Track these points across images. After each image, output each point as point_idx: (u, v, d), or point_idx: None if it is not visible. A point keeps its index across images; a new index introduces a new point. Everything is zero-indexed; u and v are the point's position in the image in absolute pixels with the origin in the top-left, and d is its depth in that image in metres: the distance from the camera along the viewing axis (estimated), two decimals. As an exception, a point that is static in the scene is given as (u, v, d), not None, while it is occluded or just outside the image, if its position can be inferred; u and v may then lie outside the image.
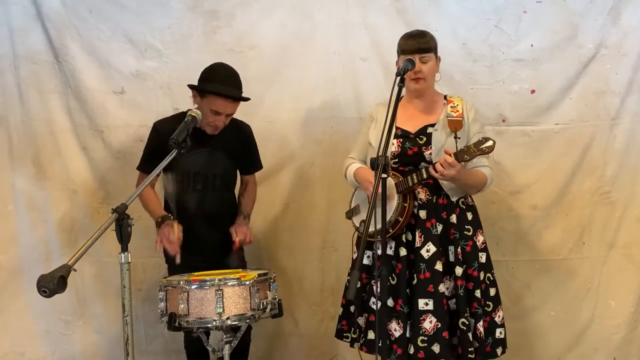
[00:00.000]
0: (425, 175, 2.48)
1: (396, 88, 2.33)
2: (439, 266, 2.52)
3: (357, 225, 2.75)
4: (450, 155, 2.38)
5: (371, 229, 2.08)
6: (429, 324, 2.49)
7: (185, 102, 3.02)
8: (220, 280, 2.38)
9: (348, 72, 3.37)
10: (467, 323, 2.50)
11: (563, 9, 3.21)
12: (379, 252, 2.39)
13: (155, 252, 3.11)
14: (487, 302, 2.62)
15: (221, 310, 2.35)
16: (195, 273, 2.63)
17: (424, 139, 2.61)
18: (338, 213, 3.16)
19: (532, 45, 3.25)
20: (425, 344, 2.48)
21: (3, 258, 3.42)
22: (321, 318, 3.49)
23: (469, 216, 2.65)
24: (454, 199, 2.61)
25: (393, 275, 2.59)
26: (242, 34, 3.40)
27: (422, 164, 2.59)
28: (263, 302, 2.43)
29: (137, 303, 3.26)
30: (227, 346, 2.46)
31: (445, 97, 2.72)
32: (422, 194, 2.59)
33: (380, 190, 2.12)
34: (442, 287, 2.52)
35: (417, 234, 2.56)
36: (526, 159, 3.29)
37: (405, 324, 2.54)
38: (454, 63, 3.20)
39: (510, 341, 2.69)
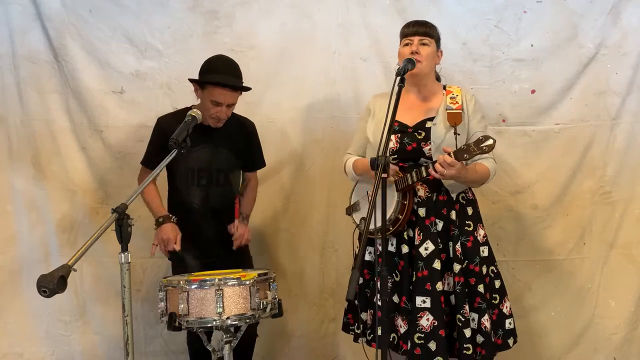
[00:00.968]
0: (424, 174, 2.47)
1: (396, 88, 2.33)
2: (437, 264, 2.52)
3: (357, 222, 2.75)
4: (449, 154, 2.37)
5: (372, 227, 2.08)
6: (426, 321, 2.49)
7: (185, 102, 3.02)
8: (220, 280, 2.37)
9: (348, 71, 3.37)
10: (463, 319, 2.50)
11: (563, 9, 3.21)
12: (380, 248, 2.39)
13: (158, 253, 3.12)
14: (494, 295, 2.62)
15: (221, 310, 2.34)
16: (195, 273, 2.63)
17: (423, 133, 2.59)
18: (338, 213, 3.16)
19: (532, 45, 3.24)
20: (422, 341, 2.48)
21: (2, 258, 3.42)
22: (321, 319, 3.48)
23: (469, 211, 2.64)
24: (453, 195, 2.61)
25: (396, 272, 2.59)
26: (242, 34, 3.40)
27: (422, 159, 2.58)
28: (263, 302, 2.42)
29: (136, 304, 3.25)
30: (227, 346, 2.45)
31: (444, 87, 2.70)
32: (422, 191, 2.59)
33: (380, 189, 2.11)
34: (440, 285, 2.52)
35: (416, 231, 2.57)
36: (526, 159, 3.29)
37: (409, 321, 2.56)
38: (454, 63, 3.20)
39: (511, 341, 2.70)
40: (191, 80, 2.85)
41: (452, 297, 2.56)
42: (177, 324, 2.36)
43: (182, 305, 2.35)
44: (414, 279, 2.55)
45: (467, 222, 2.61)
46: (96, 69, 3.39)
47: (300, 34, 3.38)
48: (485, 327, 2.53)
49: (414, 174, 2.50)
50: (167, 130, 2.81)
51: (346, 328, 2.84)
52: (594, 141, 3.24)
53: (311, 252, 3.46)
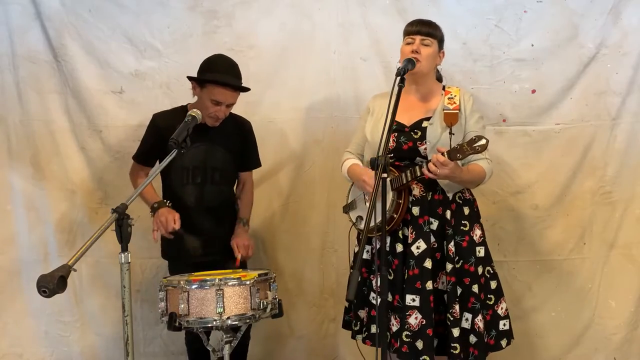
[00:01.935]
0: (418, 173, 2.47)
1: (396, 88, 2.32)
2: (428, 263, 2.52)
3: (354, 220, 2.76)
4: (442, 154, 2.38)
5: (369, 225, 2.08)
6: (414, 320, 2.50)
7: (185, 102, 3.02)
8: (220, 280, 2.38)
9: (348, 71, 3.37)
10: (452, 319, 2.51)
11: (563, 9, 3.21)
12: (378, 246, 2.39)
13: (153, 253, 3.12)
14: (489, 296, 2.62)
15: (221, 310, 2.34)
16: (195, 273, 2.62)
17: (419, 133, 2.59)
18: (338, 213, 3.15)
19: (532, 45, 3.24)
20: (410, 339, 2.49)
21: (1, 259, 3.41)
22: (321, 320, 3.48)
23: (466, 211, 2.63)
24: (449, 195, 2.61)
25: (390, 270, 2.59)
26: (241, 33, 3.39)
27: (418, 158, 2.59)
28: (263, 302, 2.42)
29: (136, 304, 3.25)
30: (227, 346, 2.45)
31: (443, 88, 2.70)
32: (417, 190, 2.59)
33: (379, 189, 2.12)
34: (430, 284, 2.52)
35: (409, 230, 2.57)
36: (527, 159, 3.29)
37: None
38: (454, 63, 3.19)
39: (511, 341, 2.69)
40: (190, 78, 2.84)
41: (445, 297, 2.57)
42: (177, 324, 2.36)
43: (182, 305, 2.35)
44: (405, 277, 2.56)
45: (463, 222, 2.61)
46: (96, 69, 3.39)
47: (300, 33, 3.38)
48: (479, 327, 2.53)
49: (408, 173, 2.50)
50: (161, 128, 2.81)
51: (348, 326, 2.84)
52: (595, 141, 3.24)
53: (311, 252, 3.45)
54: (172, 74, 3.40)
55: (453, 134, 2.51)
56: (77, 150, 3.42)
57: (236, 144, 3.00)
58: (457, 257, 2.56)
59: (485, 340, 2.57)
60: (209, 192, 2.94)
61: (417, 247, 2.54)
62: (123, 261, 2.03)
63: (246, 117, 3.10)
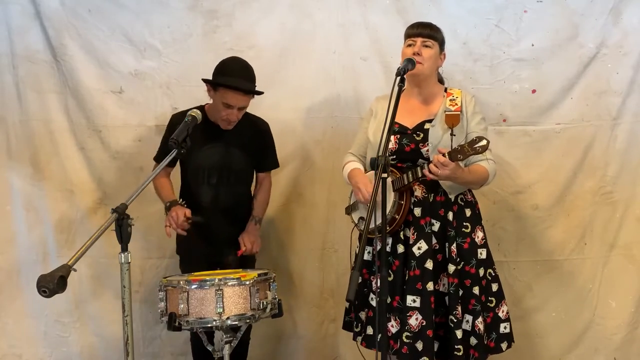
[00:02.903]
0: (420, 174, 2.48)
1: (396, 88, 2.32)
2: (429, 264, 2.52)
3: (356, 221, 2.76)
4: (443, 155, 2.38)
5: (370, 226, 2.09)
6: (415, 321, 2.50)
7: (185, 101, 3.02)
8: (220, 280, 2.37)
9: (348, 71, 3.36)
10: (455, 320, 2.51)
11: (564, 9, 3.21)
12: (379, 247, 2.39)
13: (153, 253, 3.12)
14: (490, 298, 2.62)
15: (221, 310, 2.34)
16: (196, 273, 2.63)
17: (421, 135, 2.60)
18: (338, 213, 3.15)
19: (532, 45, 3.24)
20: (410, 340, 2.49)
21: (0, 259, 3.41)
22: (321, 320, 3.47)
23: (468, 213, 2.63)
24: (451, 196, 2.61)
25: (390, 271, 2.59)
26: (241, 33, 3.39)
27: (420, 160, 2.59)
28: (263, 302, 2.42)
29: (135, 304, 3.22)
30: (227, 346, 2.45)
31: (445, 90, 2.70)
32: (419, 192, 2.59)
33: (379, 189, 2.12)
34: (431, 285, 2.52)
35: (410, 231, 2.57)
36: (527, 159, 3.29)
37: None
38: (454, 63, 3.18)
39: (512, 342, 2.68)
40: (204, 81, 2.85)
41: (447, 299, 2.56)
42: (177, 324, 2.36)
43: (182, 305, 2.35)
44: (407, 278, 2.55)
45: (464, 224, 2.61)
46: (95, 69, 3.38)
47: (300, 33, 3.37)
48: (479, 329, 2.53)
49: (410, 174, 2.51)
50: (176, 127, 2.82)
51: (348, 327, 2.84)
52: (595, 141, 3.24)
53: (311, 252, 3.45)
54: (171, 73, 3.39)
55: (454, 135, 2.51)
56: (76, 150, 3.42)
57: (252, 144, 3.00)
58: (458, 259, 2.56)
59: (486, 343, 2.57)
60: (224, 193, 2.95)
61: (419, 248, 2.54)
62: (123, 261, 2.03)
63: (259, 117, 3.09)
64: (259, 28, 3.39)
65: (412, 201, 2.58)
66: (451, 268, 2.54)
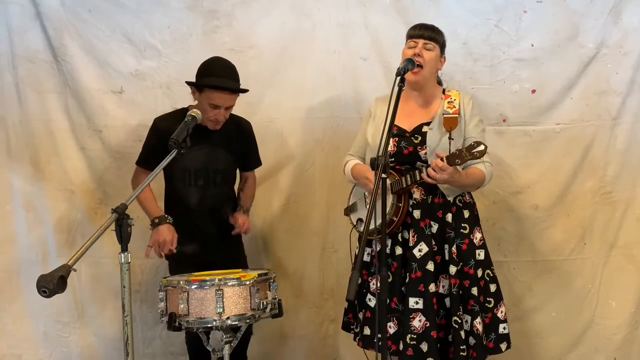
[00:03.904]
0: (418, 178, 2.48)
1: (396, 88, 2.32)
2: (430, 266, 2.53)
3: (355, 222, 2.76)
4: (441, 159, 2.39)
5: (370, 227, 2.08)
6: (418, 322, 2.51)
7: (185, 102, 3.02)
8: (220, 280, 2.38)
9: (348, 71, 3.36)
10: (459, 321, 2.51)
11: (564, 9, 3.21)
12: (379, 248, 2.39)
13: (153, 254, 3.10)
14: (488, 299, 2.63)
15: (221, 310, 2.35)
16: (195, 273, 2.62)
17: (419, 138, 2.61)
18: (338, 213, 3.14)
19: (532, 45, 3.24)
20: (414, 342, 2.50)
21: (0, 259, 3.40)
22: (321, 320, 3.47)
23: (466, 214, 2.64)
24: (450, 198, 2.61)
25: (389, 273, 2.59)
26: (241, 33, 3.39)
27: (418, 163, 2.59)
28: (263, 302, 2.42)
29: (135, 305, 3.23)
30: (227, 346, 2.45)
31: (443, 92, 2.70)
32: (417, 194, 2.60)
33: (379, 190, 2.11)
34: (432, 287, 2.53)
35: (410, 233, 2.58)
36: (527, 159, 3.28)
37: (399, 321, 2.57)
38: (454, 63, 3.18)
39: (511, 342, 2.68)
40: (189, 83, 2.85)
41: (447, 300, 2.57)
42: (177, 324, 2.37)
43: (182, 306, 2.35)
44: (406, 280, 2.56)
45: (463, 225, 2.62)
46: (95, 69, 3.38)
47: (300, 33, 3.37)
48: (477, 329, 2.54)
49: (408, 177, 2.52)
50: (163, 131, 2.80)
51: (347, 327, 2.85)
52: (595, 141, 3.23)
53: (311, 252, 3.45)
54: (172, 73, 3.39)
55: (452, 139, 2.52)
56: (76, 150, 3.42)
57: (237, 144, 3.00)
58: (457, 260, 2.57)
59: (484, 343, 2.58)
60: (211, 194, 2.95)
61: (419, 250, 2.55)
62: (123, 261, 2.03)
63: (246, 117, 3.10)
64: (259, 28, 3.39)
65: (411, 203, 2.59)
66: (452, 269, 2.55)
